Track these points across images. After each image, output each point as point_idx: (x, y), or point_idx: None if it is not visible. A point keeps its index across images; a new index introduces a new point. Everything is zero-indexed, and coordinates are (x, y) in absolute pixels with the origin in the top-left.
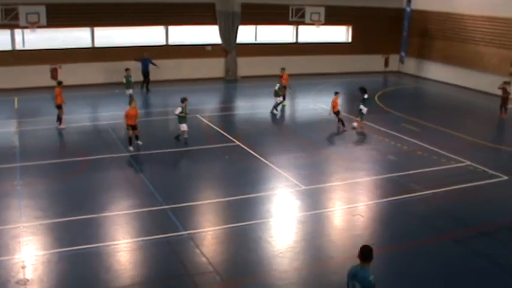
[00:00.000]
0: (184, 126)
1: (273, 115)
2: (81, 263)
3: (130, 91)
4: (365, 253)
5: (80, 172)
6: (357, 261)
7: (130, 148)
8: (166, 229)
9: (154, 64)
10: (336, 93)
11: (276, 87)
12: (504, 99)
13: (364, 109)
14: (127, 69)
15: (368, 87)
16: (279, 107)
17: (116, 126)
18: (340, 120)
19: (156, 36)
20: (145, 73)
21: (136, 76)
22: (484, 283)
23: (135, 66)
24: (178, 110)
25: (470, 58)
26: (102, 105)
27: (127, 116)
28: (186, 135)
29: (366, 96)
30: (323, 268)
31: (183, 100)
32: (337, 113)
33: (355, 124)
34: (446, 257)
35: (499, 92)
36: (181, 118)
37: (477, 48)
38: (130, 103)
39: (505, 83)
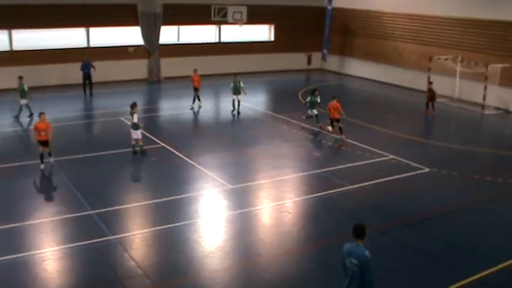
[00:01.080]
0: (138, 134)
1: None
2: (6, 273)
3: (24, 101)
4: (358, 231)
5: (1, 180)
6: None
7: (41, 166)
8: (94, 234)
9: (93, 67)
10: (335, 96)
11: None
12: (430, 98)
13: (314, 111)
14: (20, 77)
15: (292, 85)
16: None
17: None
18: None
19: (77, 38)
20: (87, 76)
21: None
22: (408, 272)
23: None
24: (136, 118)
25: (390, 54)
26: (22, 110)
27: (36, 129)
28: (141, 143)
29: (319, 99)
30: (253, 266)
31: (134, 106)
32: (337, 120)
33: (329, 128)
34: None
35: (420, 87)
36: (136, 125)
37: (397, 44)
38: (39, 115)
39: (430, 83)
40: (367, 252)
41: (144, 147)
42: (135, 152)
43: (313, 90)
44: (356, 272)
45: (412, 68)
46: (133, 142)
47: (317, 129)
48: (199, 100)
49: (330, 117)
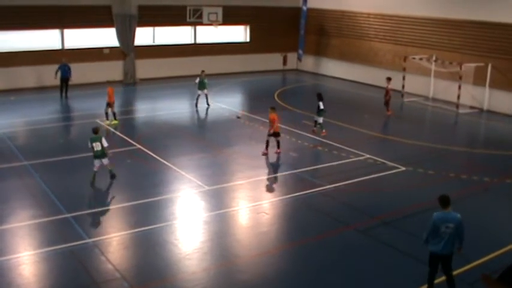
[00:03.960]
0: (106, 161)
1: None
2: None
3: None
4: (446, 200)
5: None
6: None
7: None
8: (70, 238)
9: (69, 70)
10: (273, 108)
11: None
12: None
13: (320, 119)
14: None
15: (268, 85)
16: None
17: (13, 134)
18: (266, 144)
19: (51, 40)
20: (65, 79)
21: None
22: (386, 269)
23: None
24: (105, 143)
25: (365, 54)
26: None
27: None
28: (110, 167)
29: (321, 106)
30: (231, 267)
31: (96, 130)
32: (277, 134)
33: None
34: (350, 247)
35: (395, 87)
36: (102, 153)
37: (371, 44)
38: None
39: (388, 79)
40: (459, 215)
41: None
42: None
43: (318, 95)
44: (451, 234)
45: (387, 67)
46: (96, 170)
47: (293, 129)
48: (114, 116)
49: (272, 131)
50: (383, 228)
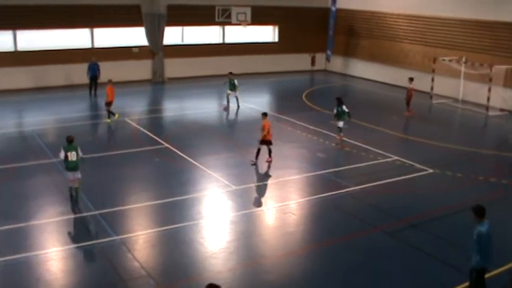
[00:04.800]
0: (78, 175)
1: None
2: (10, 274)
3: None
4: (483, 211)
5: (6, 180)
6: None
7: None
8: (98, 235)
9: (99, 69)
10: (265, 114)
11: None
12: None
13: (340, 123)
14: None
15: (296, 86)
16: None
17: (42, 132)
18: (257, 153)
19: (81, 39)
20: (94, 77)
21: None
22: (413, 272)
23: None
24: (81, 153)
25: (395, 55)
26: (27, 110)
27: None
28: (77, 185)
29: (344, 108)
30: (256, 267)
31: (71, 139)
32: (268, 142)
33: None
34: (377, 249)
35: (424, 88)
36: (76, 164)
37: (401, 45)
38: None
39: (410, 79)
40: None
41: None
42: (72, 196)
43: (337, 99)
44: None
45: (416, 69)
46: (70, 184)
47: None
48: (112, 114)
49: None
50: (410, 231)
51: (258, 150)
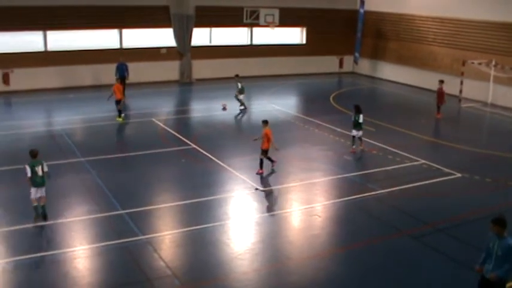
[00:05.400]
0: (43, 192)
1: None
2: (37, 271)
3: None
4: (505, 222)
5: None
6: None
7: None
8: (124, 234)
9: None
10: (266, 122)
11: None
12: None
13: (358, 133)
14: None
15: (323, 88)
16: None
17: (71, 131)
18: (269, 159)
19: (110, 39)
20: (122, 78)
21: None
22: (438, 277)
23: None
24: (46, 167)
25: (423, 58)
26: (55, 110)
27: None
28: (43, 203)
29: (360, 118)
30: (282, 269)
31: (35, 153)
32: (265, 152)
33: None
34: (402, 253)
35: (453, 92)
36: (42, 180)
37: (430, 48)
38: None
39: (440, 81)
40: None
41: (173, 150)
42: (40, 216)
43: (355, 106)
44: None
45: (445, 72)
46: (35, 203)
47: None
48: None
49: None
50: (436, 235)
51: (261, 161)
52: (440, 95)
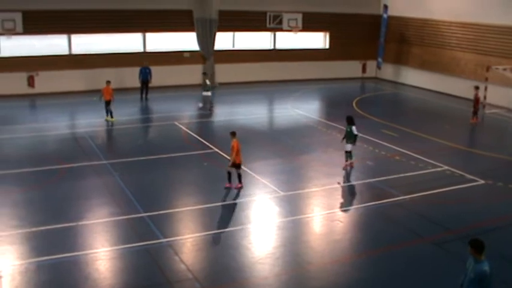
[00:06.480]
0: None
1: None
2: (59, 272)
3: None
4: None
5: (58, 180)
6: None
7: None
8: (146, 237)
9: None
10: (233, 133)
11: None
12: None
13: (348, 146)
14: None
15: (346, 93)
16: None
17: (94, 134)
18: (238, 177)
19: (133, 43)
20: (145, 81)
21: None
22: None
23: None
24: None
25: (447, 63)
26: (79, 112)
27: None
28: None
29: (354, 129)
30: (303, 273)
31: None
32: (237, 166)
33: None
34: (424, 259)
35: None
36: None
37: (454, 53)
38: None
39: (475, 87)
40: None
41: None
42: None
43: (347, 118)
44: None
45: (469, 77)
46: None
47: (371, 138)
48: (110, 114)
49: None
50: (458, 242)
51: (229, 174)
52: (477, 100)
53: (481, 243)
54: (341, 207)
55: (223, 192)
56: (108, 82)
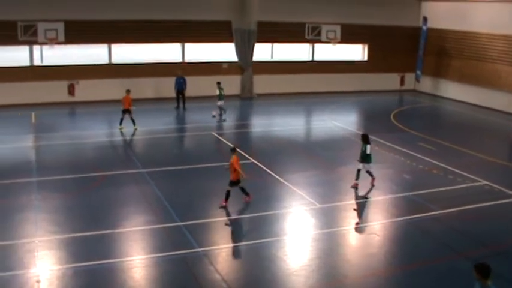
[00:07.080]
0: None
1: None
2: (96, 278)
3: None
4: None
5: (96, 187)
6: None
7: None
8: (181, 246)
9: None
10: (233, 150)
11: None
12: None
13: (366, 166)
14: None
15: (384, 105)
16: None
17: (132, 142)
18: (242, 190)
19: (172, 53)
20: (180, 91)
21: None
22: None
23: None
24: None
25: (487, 77)
26: (118, 121)
27: None
28: None
29: (368, 148)
30: (337, 286)
31: None
32: (235, 183)
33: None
34: (459, 275)
35: None
36: None
37: (494, 66)
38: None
39: None
40: None
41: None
42: None
43: (362, 136)
44: None
45: (510, 91)
46: None
47: (408, 151)
48: (133, 122)
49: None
50: (495, 258)
51: (228, 193)
52: None
53: (488, 267)
54: (377, 220)
55: (259, 203)
56: (128, 91)
